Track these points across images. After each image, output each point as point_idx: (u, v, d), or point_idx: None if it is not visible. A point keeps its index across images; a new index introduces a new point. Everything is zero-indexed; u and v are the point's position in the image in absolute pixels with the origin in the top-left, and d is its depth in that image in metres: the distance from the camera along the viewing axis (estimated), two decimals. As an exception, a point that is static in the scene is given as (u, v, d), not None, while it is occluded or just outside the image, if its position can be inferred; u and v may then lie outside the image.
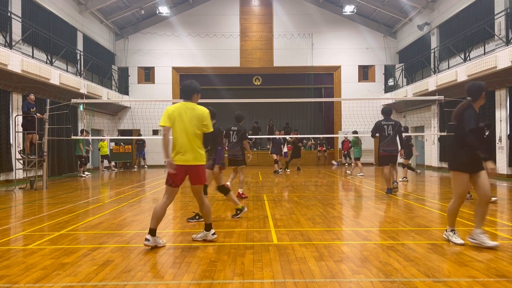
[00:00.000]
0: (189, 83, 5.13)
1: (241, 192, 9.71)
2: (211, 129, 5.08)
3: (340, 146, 24.44)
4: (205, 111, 5.04)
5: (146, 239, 4.86)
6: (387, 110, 10.13)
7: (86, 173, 18.04)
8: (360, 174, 16.02)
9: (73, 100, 13.53)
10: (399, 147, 10.07)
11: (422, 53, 21.53)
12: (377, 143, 10.44)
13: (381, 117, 10.12)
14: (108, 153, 21.68)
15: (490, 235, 5.53)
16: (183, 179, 4.97)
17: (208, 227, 5.24)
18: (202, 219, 6.47)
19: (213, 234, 5.27)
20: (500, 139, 14.66)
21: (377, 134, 10.05)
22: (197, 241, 5.23)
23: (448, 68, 18.10)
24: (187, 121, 4.90)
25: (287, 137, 19.29)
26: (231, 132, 9.55)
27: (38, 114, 12.29)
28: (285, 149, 18.54)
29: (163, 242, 5.05)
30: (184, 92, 5.14)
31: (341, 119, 24.83)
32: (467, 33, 17.06)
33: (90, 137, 18.72)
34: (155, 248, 4.93)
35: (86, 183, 14.26)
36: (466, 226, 6.05)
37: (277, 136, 17.87)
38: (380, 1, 22.88)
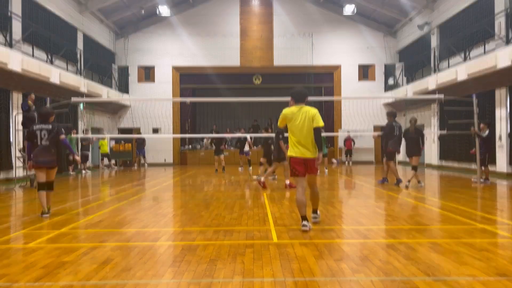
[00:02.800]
0: (302, 89, 6.07)
1: (262, 180, 10.94)
2: (321, 124, 5.87)
3: (340, 144, 24.43)
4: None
5: (304, 225, 5.59)
6: (394, 113, 11.52)
7: (84, 171, 18.04)
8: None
9: (73, 99, 13.52)
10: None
11: (422, 52, 21.50)
12: (378, 142, 11.29)
13: (381, 117, 11.09)
14: (108, 151, 21.69)
15: (490, 233, 5.54)
16: (305, 169, 5.78)
17: (313, 211, 6.27)
18: (45, 215, 6.84)
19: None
20: (500, 138, 14.67)
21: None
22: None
23: (448, 67, 18.09)
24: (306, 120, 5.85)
25: (247, 135, 19.20)
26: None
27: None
28: (246, 148, 18.87)
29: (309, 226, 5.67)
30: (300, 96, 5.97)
31: (341, 118, 24.82)
32: (467, 33, 17.04)
33: (90, 135, 18.72)
34: (151, 248, 4.93)
35: (86, 181, 14.26)
36: (466, 225, 6.05)
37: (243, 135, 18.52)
38: (380, 1, 22.85)
